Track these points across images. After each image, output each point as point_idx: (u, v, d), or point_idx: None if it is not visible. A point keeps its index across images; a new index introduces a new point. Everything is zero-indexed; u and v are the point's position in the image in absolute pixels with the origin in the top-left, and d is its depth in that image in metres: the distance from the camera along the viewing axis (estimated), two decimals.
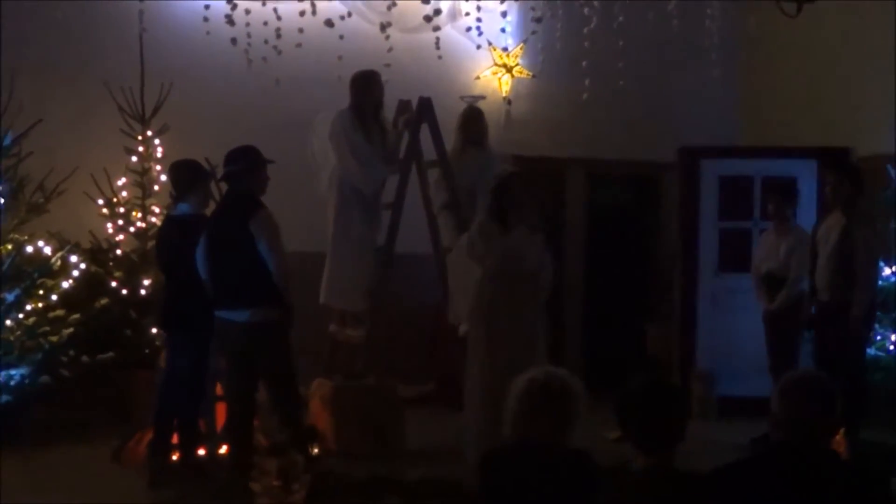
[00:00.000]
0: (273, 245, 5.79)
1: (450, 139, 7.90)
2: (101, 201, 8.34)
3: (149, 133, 8.43)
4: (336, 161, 7.26)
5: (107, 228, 8.37)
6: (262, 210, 5.83)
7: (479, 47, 9.61)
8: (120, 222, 8.33)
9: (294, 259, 6.11)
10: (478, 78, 9.73)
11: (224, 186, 6.46)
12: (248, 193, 5.89)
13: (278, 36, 8.83)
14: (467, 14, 9.38)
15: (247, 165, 5.91)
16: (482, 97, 9.18)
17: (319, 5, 8.86)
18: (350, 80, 7.46)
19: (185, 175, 6.30)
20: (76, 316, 7.87)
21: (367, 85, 7.35)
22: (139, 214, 8.35)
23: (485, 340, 6.33)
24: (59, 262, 7.89)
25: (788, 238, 7.64)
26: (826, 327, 7.00)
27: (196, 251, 5.95)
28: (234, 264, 5.81)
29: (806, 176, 8.47)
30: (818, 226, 7.31)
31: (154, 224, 8.23)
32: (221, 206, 6.12)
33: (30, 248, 7.80)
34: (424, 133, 7.61)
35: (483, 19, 9.35)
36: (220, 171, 6.29)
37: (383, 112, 7.52)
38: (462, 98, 8.73)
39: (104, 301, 8.04)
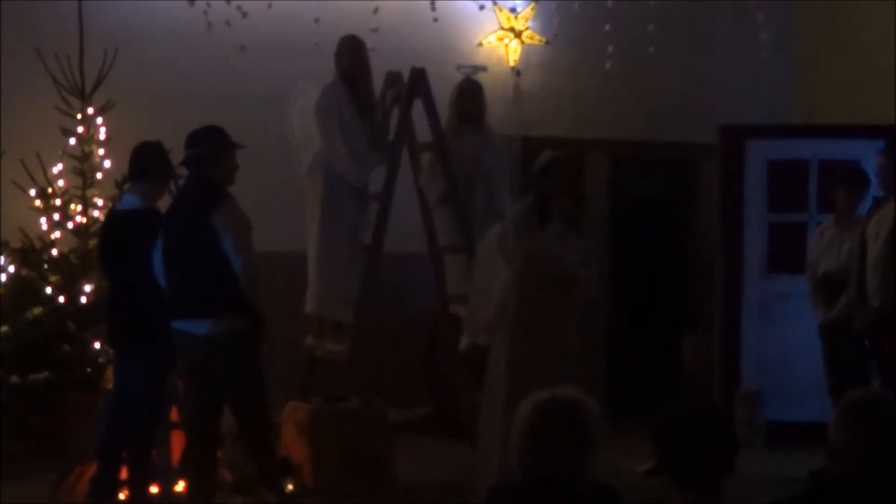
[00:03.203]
0: (241, 243, 5.82)
1: (444, 117, 7.93)
2: (33, 192, 8.36)
3: (90, 110, 8.46)
4: (322, 143, 7.27)
5: (40, 224, 8.40)
6: (228, 201, 5.87)
7: (482, 8, 9.65)
8: (56, 217, 8.36)
9: (263, 260, 6.15)
10: (481, 44, 9.77)
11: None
12: (212, 182, 5.93)
13: None
14: None
15: (212, 149, 5.95)
16: (483, 68, 9.22)
17: None
18: (338, 46, 7.49)
19: (151, 159, 6.29)
20: (4, 328, 7.89)
21: (356, 53, 7.40)
22: (79, 207, 8.37)
23: (508, 357, 6.30)
24: None
25: (853, 233, 7.67)
26: (881, 339, 7.05)
27: (153, 253, 5.98)
28: (193, 265, 5.84)
29: (872, 159, 8.50)
30: (869, 218, 7.35)
31: (97, 219, 8.26)
32: (180, 197, 6.16)
33: None
34: (417, 110, 7.64)
35: None
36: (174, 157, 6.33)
37: (372, 86, 7.57)
38: (459, 68, 8.80)
39: (37, 310, 8.06)
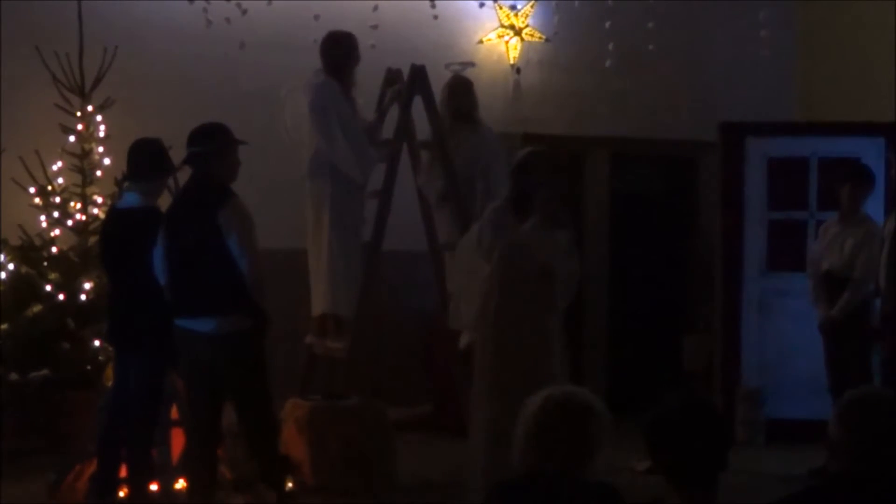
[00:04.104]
0: (246, 241, 5.82)
1: None
2: (32, 190, 8.37)
3: (89, 108, 8.46)
4: (323, 142, 7.25)
5: (40, 222, 8.40)
6: (233, 199, 5.87)
7: (482, 5, 9.65)
8: (55, 214, 8.37)
9: (265, 257, 6.14)
10: (481, 42, 9.77)
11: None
12: (215, 180, 5.93)
13: None
14: None
15: (215, 146, 5.94)
16: (471, 64, 9.20)
17: None
18: (325, 43, 7.47)
19: (148, 157, 6.30)
20: (3, 326, 7.89)
21: (351, 50, 7.39)
22: (78, 205, 8.38)
23: (492, 352, 6.34)
24: None
25: (856, 231, 7.68)
26: (885, 337, 7.08)
27: (153, 251, 5.98)
28: (198, 264, 5.84)
29: (871, 156, 8.50)
30: (888, 218, 7.37)
31: (96, 216, 8.27)
32: (183, 195, 6.16)
33: None
34: (416, 108, 7.64)
35: None
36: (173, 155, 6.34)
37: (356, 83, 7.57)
38: (448, 66, 8.79)
39: (37, 308, 8.07)
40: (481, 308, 6.41)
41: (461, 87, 8.10)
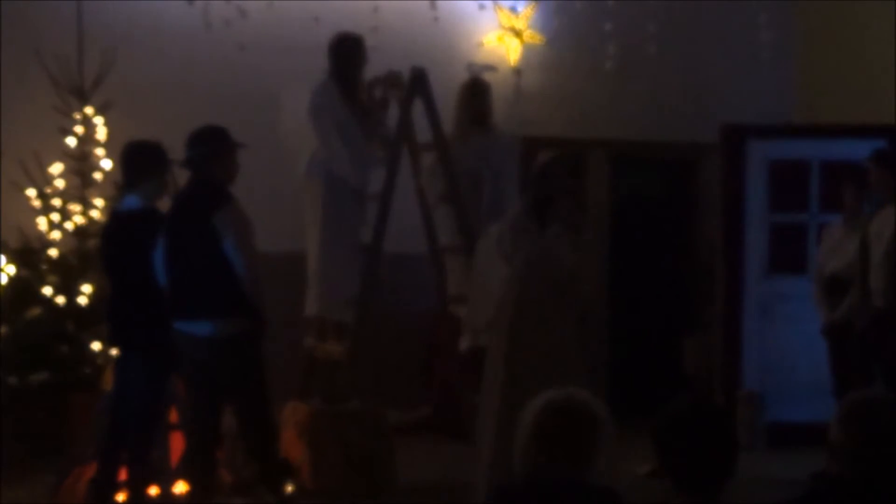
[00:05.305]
0: (242, 244, 5.84)
1: (446, 116, 7.94)
2: (32, 192, 8.38)
3: (89, 110, 8.47)
4: (319, 145, 7.27)
5: (39, 224, 8.41)
6: (230, 202, 5.88)
7: (482, 7, 9.66)
8: (55, 217, 8.37)
9: (263, 260, 6.16)
10: (481, 44, 9.78)
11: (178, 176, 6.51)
12: (213, 183, 5.94)
13: None
14: None
15: (214, 149, 5.96)
16: (491, 67, 9.22)
17: None
18: (332, 44, 7.49)
19: (143, 159, 6.30)
20: (3, 329, 7.90)
21: (356, 52, 7.40)
22: (78, 208, 8.38)
23: (505, 356, 6.32)
24: None
25: (859, 234, 7.69)
26: (883, 339, 7.08)
27: (154, 254, 5.99)
28: (195, 267, 5.86)
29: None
30: (872, 219, 7.38)
31: (96, 220, 8.28)
32: (181, 198, 6.17)
33: None
34: (417, 110, 7.65)
35: None
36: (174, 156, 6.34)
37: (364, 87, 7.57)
38: (469, 67, 8.79)
39: (35, 311, 8.07)
40: (498, 311, 6.38)
41: (481, 89, 8.14)
